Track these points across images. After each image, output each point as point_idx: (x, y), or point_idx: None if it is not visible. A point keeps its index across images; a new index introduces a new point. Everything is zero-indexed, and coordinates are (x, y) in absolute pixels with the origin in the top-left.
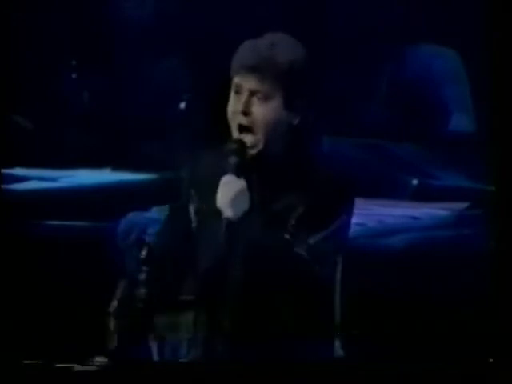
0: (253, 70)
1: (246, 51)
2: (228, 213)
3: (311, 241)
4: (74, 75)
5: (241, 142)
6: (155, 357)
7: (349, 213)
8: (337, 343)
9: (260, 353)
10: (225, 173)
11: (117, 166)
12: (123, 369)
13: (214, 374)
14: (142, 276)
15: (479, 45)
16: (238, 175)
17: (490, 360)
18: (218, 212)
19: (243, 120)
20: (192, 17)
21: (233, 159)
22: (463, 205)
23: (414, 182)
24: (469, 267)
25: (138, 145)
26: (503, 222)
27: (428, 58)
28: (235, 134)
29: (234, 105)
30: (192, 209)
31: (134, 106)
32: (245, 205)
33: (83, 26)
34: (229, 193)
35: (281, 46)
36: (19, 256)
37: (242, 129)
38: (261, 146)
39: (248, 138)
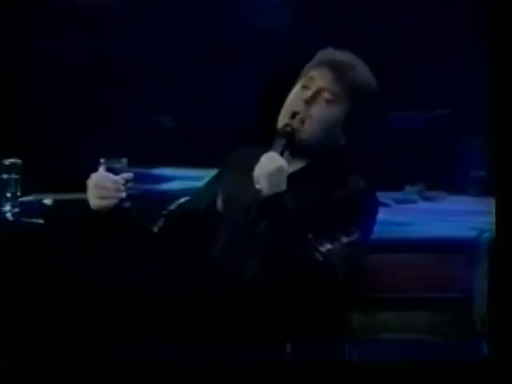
0: (334, 67)
1: (331, 51)
2: (263, 186)
3: (329, 246)
4: None
5: (290, 126)
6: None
7: (369, 227)
8: (348, 345)
9: (264, 352)
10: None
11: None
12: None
13: (220, 374)
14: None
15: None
16: (282, 154)
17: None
18: (248, 191)
19: (301, 107)
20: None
21: (281, 141)
22: None
23: None
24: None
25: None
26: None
27: None
28: (284, 119)
29: (297, 93)
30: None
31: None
32: (281, 184)
33: None
34: (269, 167)
35: (362, 69)
36: None
37: (293, 115)
38: (307, 136)
39: (296, 124)
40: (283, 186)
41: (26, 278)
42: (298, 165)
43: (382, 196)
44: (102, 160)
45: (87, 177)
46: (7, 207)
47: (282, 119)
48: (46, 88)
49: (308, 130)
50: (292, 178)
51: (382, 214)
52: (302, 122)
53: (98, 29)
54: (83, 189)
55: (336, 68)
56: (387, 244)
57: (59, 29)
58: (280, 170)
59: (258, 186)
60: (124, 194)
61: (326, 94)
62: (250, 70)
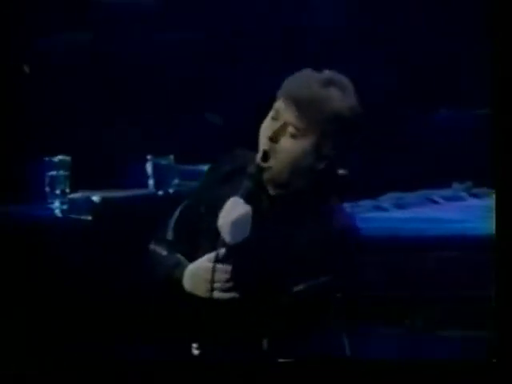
0: (297, 102)
1: (298, 81)
2: (226, 235)
3: (296, 288)
4: None
5: (259, 168)
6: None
7: (348, 266)
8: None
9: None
10: (236, 192)
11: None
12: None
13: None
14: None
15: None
16: (247, 200)
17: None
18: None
19: (267, 145)
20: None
21: (246, 183)
22: None
23: None
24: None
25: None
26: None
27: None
28: (258, 155)
29: (266, 127)
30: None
31: None
32: (244, 232)
33: None
34: (231, 216)
35: (335, 88)
36: None
37: (264, 154)
38: (276, 176)
39: (266, 165)
40: (245, 234)
41: (74, 273)
42: (272, 202)
43: (430, 193)
44: (149, 157)
45: (134, 174)
46: (56, 204)
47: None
48: (95, 87)
49: (275, 168)
50: (267, 213)
51: (430, 211)
52: (267, 158)
53: (155, 31)
54: (130, 186)
55: (298, 103)
56: (435, 241)
57: (111, 29)
58: (243, 217)
59: (221, 237)
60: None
61: (291, 129)
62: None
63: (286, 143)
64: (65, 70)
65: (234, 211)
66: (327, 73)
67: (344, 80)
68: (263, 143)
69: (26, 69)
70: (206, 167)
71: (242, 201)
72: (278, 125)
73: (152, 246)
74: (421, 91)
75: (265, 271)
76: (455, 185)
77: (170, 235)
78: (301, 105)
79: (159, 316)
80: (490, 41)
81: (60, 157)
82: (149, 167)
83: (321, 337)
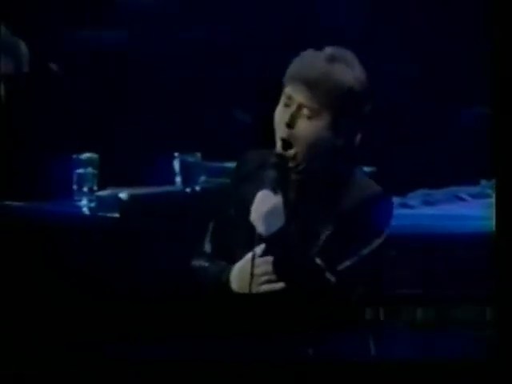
0: (306, 83)
1: (303, 62)
2: (261, 228)
3: (348, 262)
4: None
5: (281, 157)
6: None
7: (386, 230)
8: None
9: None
10: (263, 185)
11: None
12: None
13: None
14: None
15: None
16: (275, 190)
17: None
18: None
19: (285, 133)
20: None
21: (271, 173)
22: None
23: None
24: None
25: None
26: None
27: None
28: (278, 144)
29: (280, 115)
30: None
31: None
32: (278, 222)
33: None
34: (263, 208)
35: (340, 63)
36: None
37: (284, 142)
38: (300, 161)
39: (288, 153)
40: (280, 223)
41: (103, 270)
42: (301, 188)
43: (457, 191)
44: (177, 154)
45: (161, 171)
46: (84, 201)
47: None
48: (122, 84)
49: (298, 154)
50: (297, 200)
51: (458, 208)
52: (289, 146)
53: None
54: (157, 183)
55: (308, 83)
56: (463, 238)
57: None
58: (276, 208)
59: (257, 231)
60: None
61: (306, 111)
62: None
63: (304, 126)
64: (91, 68)
65: (264, 204)
66: (329, 49)
67: (347, 53)
68: (281, 131)
69: (54, 67)
70: (233, 164)
71: (270, 192)
72: (292, 109)
73: (194, 262)
74: (440, 90)
75: (305, 257)
76: (483, 182)
77: (208, 248)
78: (310, 84)
79: (187, 316)
80: (490, 41)
81: (88, 154)
82: (176, 164)
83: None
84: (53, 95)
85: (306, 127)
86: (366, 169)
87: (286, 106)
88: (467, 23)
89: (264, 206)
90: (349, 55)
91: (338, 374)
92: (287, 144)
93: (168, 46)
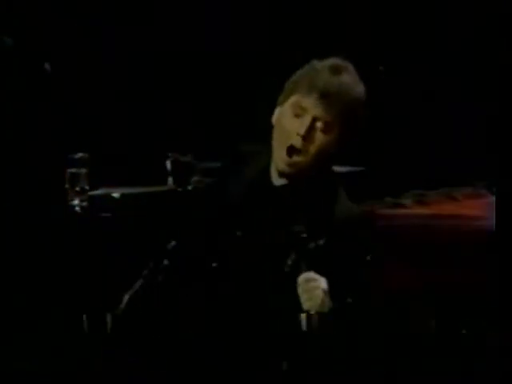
0: (323, 96)
1: (314, 73)
2: (314, 309)
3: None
4: None
5: (303, 235)
6: None
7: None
8: None
9: None
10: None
11: None
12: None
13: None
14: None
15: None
16: (309, 268)
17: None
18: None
19: (299, 143)
20: None
21: (294, 256)
22: None
23: None
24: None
25: None
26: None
27: None
28: (282, 153)
29: (292, 125)
30: None
31: None
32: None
33: None
34: (318, 297)
35: (346, 75)
36: None
37: (293, 149)
38: (304, 170)
39: (294, 159)
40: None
41: (95, 269)
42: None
43: (451, 191)
44: (170, 154)
45: (154, 171)
46: (76, 201)
47: (282, 157)
48: (114, 84)
49: (303, 162)
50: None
51: (451, 208)
52: (297, 154)
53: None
54: (150, 182)
55: (325, 96)
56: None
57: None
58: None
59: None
60: None
61: (320, 124)
62: None
63: (319, 140)
64: (83, 68)
65: (318, 292)
66: (331, 60)
67: (347, 64)
68: (293, 140)
69: (45, 66)
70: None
71: (311, 273)
72: (306, 121)
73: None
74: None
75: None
76: (477, 182)
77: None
78: (327, 99)
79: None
80: (490, 41)
81: (80, 154)
82: (168, 164)
83: None
84: (45, 95)
85: (320, 140)
86: (359, 169)
87: (297, 115)
88: (467, 23)
89: (318, 293)
90: (349, 66)
91: None
92: (296, 151)
93: (161, 44)
